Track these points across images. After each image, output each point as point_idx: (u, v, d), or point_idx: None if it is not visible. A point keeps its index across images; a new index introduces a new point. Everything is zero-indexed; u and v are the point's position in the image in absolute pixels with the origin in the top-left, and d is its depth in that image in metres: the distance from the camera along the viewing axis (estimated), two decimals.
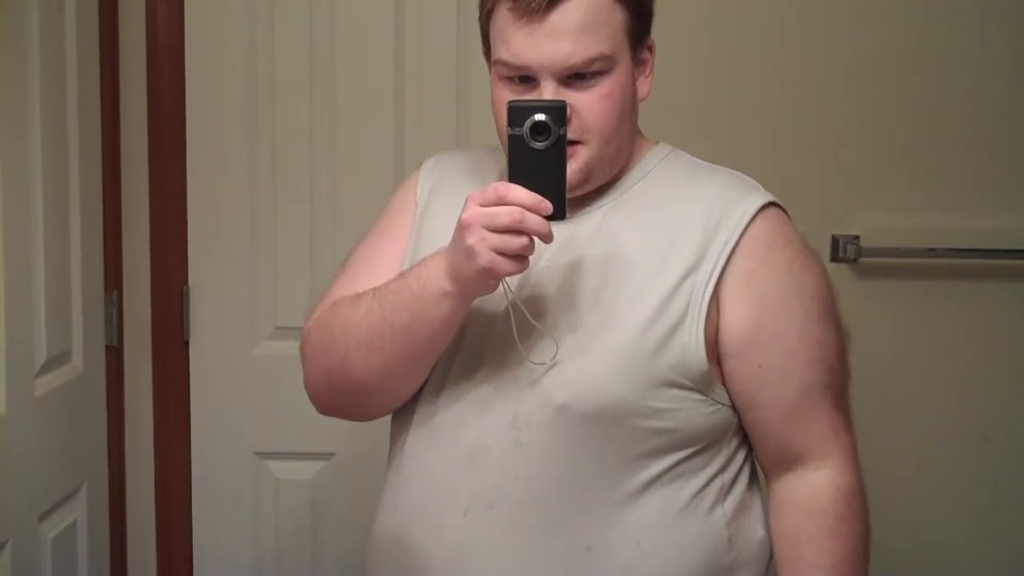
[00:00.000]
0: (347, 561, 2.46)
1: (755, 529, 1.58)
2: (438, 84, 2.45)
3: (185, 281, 2.50)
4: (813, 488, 1.54)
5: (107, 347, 2.43)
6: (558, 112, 1.40)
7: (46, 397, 2.10)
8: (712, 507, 1.54)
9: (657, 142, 1.64)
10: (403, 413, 1.60)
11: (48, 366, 2.13)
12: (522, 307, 1.48)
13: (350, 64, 2.46)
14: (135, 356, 2.51)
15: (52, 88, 2.12)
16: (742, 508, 1.57)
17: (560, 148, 1.40)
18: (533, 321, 1.48)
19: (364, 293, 1.55)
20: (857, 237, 2.43)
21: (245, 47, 2.46)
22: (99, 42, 2.34)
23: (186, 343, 2.51)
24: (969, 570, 2.50)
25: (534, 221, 1.37)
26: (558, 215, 1.39)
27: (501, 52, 1.48)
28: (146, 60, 2.45)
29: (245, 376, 2.51)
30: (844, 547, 1.52)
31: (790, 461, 1.55)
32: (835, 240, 2.43)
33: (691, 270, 1.50)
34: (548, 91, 1.46)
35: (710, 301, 1.49)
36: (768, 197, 1.56)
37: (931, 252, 2.43)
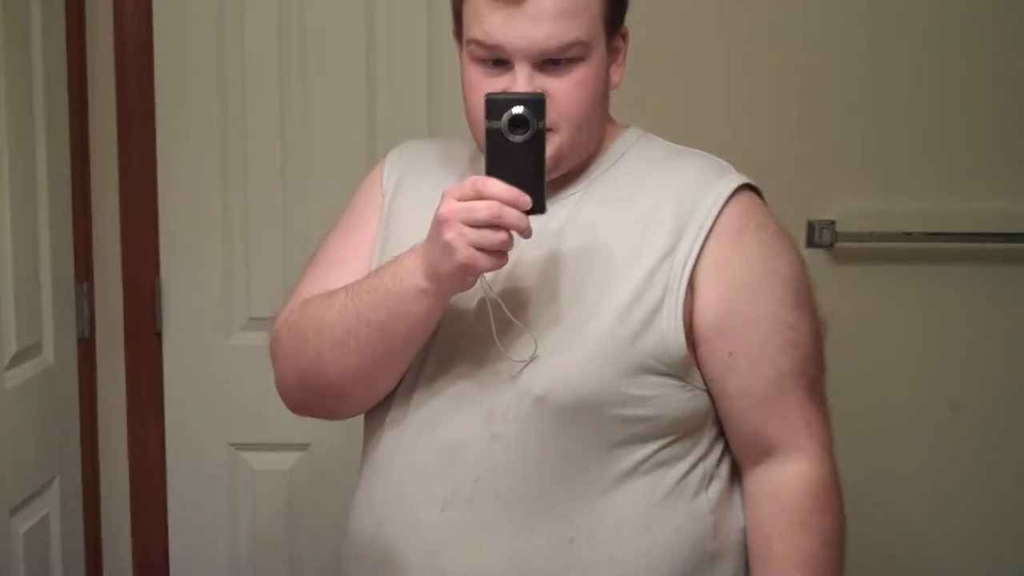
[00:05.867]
0: (325, 552, 2.45)
1: (739, 516, 1.56)
2: (410, 73, 2.43)
3: (157, 272, 2.48)
4: (784, 481, 1.52)
5: (78, 339, 2.40)
6: (537, 105, 1.38)
7: (16, 390, 2.08)
8: (695, 494, 1.52)
9: (627, 126, 1.62)
10: (377, 410, 1.58)
11: (18, 358, 2.11)
12: (501, 303, 1.47)
13: (321, 54, 2.44)
14: (107, 348, 2.49)
15: (17, 78, 2.10)
16: (726, 495, 1.55)
17: (539, 141, 1.38)
18: (512, 318, 1.47)
19: (336, 291, 1.53)
20: (833, 222, 2.43)
21: (214, 37, 2.43)
22: (66, 31, 2.31)
23: (159, 334, 2.49)
24: (942, 541, 2.52)
25: (513, 216, 1.36)
26: (537, 209, 1.37)
27: (475, 32, 1.46)
28: (114, 49, 2.42)
29: (219, 367, 2.49)
30: (815, 541, 1.50)
31: (762, 452, 1.53)
32: (811, 225, 2.42)
33: (667, 255, 1.48)
34: (522, 75, 1.44)
35: (687, 286, 1.48)
36: (741, 179, 1.54)
37: (907, 236, 2.43)
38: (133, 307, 2.48)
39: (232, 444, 2.52)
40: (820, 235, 2.42)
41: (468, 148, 1.61)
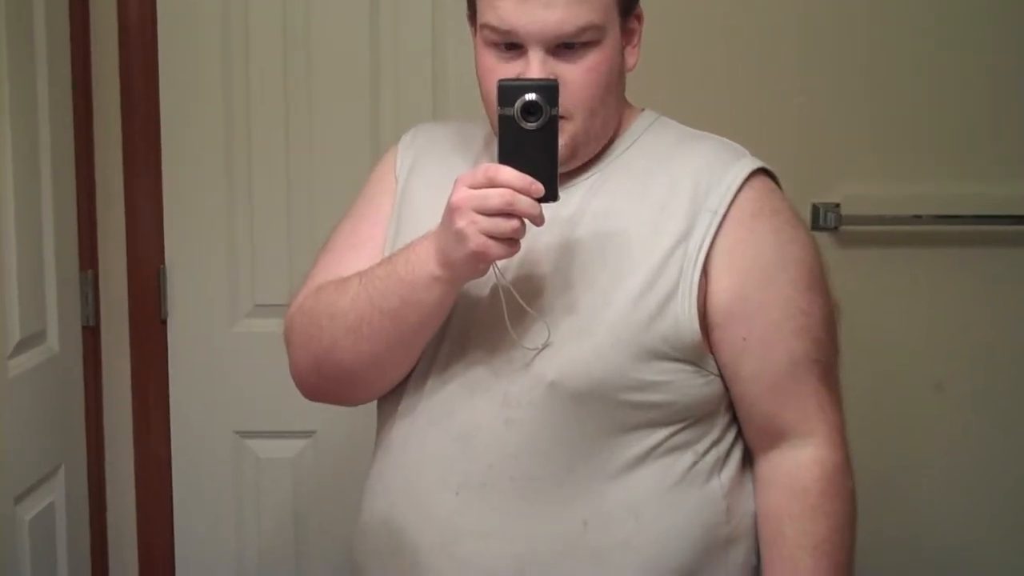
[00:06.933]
0: (330, 540, 2.46)
1: (752, 501, 1.56)
2: (414, 60, 2.42)
3: (161, 259, 2.47)
4: (797, 466, 1.52)
5: (83, 327, 2.40)
6: (550, 91, 1.37)
7: (21, 378, 2.08)
8: (708, 479, 1.52)
9: (642, 109, 1.62)
10: (390, 397, 1.58)
11: (22, 346, 2.10)
12: (513, 291, 1.46)
13: (325, 41, 2.43)
14: (112, 336, 2.48)
15: (21, 66, 2.09)
16: (738, 480, 1.55)
17: (551, 128, 1.37)
18: (525, 305, 1.46)
19: (349, 278, 1.52)
20: (838, 205, 2.42)
21: (219, 24, 2.42)
22: (70, 18, 2.30)
23: (163, 322, 2.49)
24: (949, 524, 2.52)
25: (525, 203, 1.35)
26: (549, 197, 1.37)
27: (488, 17, 1.45)
28: (118, 36, 2.41)
29: (224, 355, 2.49)
30: (827, 526, 1.50)
31: (774, 437, 1.53)
32: (815, 208, 2.42)
33: (681, 240, 1.48)
34: (535, 60, 1.43)
35: (701, 271, 1.47)
36: (756, 163, 1.54)
37: (915, 219, 2.43)
38: (138, 294, 2.48)
39: (237, 432, 2.51)
40: (825, 218, 2.41)
41: (482, 130, 1.61)
